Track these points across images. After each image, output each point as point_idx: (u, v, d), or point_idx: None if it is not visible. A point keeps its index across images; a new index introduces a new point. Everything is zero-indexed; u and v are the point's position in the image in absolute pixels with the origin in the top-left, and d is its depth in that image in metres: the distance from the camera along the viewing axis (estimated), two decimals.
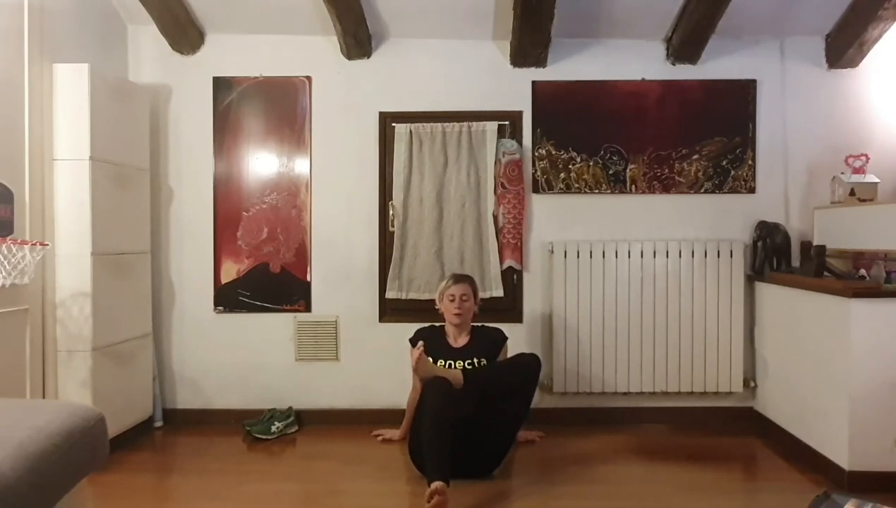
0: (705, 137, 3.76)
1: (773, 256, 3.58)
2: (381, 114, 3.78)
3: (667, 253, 3.69)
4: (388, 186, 3.78)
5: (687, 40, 3.62)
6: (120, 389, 3.31)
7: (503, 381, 2.97)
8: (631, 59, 3.76)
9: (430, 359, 3.04)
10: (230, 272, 3.80)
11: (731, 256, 3.67)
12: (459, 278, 3.26)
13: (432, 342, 3.20)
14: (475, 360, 3.10)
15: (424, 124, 3.73)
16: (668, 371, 3.67)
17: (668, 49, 3.76)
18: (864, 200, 3.41)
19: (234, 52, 3.79)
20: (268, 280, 3.79)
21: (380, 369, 3.70)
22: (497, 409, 2.93)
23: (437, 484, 2.49)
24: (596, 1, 3.49)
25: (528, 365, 3.00)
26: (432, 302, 3.38)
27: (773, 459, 3.22)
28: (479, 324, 3.30)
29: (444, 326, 3.27)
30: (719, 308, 3.67)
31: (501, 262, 3.73)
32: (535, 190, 3.78)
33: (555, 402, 3.75)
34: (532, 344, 3.75)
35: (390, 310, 3.80)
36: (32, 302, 2.97)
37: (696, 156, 3.76)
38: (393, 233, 3.77)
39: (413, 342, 3.17)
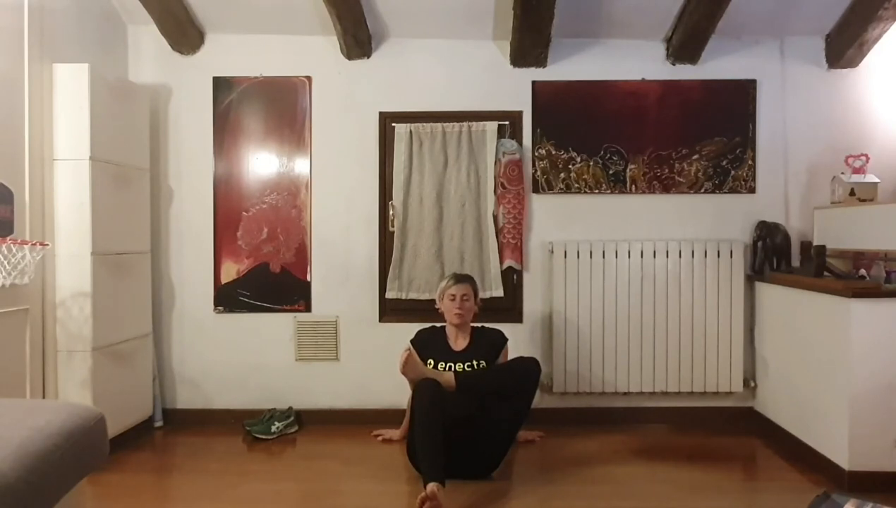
0: (705, 137, 3.76)
1: (773, 256, 3.58)
2: (381, 114, 3.78)
3: (667, 253, 3.69)
4: (388, 186, 3.77)
5: (687, 40, 3.62)
6: (120, 389, 3.30)
7: (500, 386, 2.97)
8: (631, 59, 3.76)
9: (422, 361, 3.04)
10: (230, 272, 3.80)
11: (731, 256, 3.67)
12: (460, 278, 3.25)
13: (432, 344, 3.20)
14: (475, 363, 3.10)
15: (424, 124, 3.73)
16: (668, 371, 3.67)
17: (667, 49, 3.76)
18: (864, 200, 3.41)
19: (234, 52, 3.79)
20: (268, 280, 3.79)
21: (380, 369, 3.69)
22: (496, 411, 2.92)
23: (430, 489, 2.49)
24: (596, 1, 3.49)
25: (527, 369, 2.99)
26: (432, 302, 3.38)
27: (773, 459, 3.22)
28: (480, 325, 3.30)
29: (444, 327, 3.26)
30: (719, 308, 3.66)
31: (501, 262, 3.72)
32: (535, 190, 3.78)
33: (555, 402, 3.75)
34: (532, 344, 3.75)
35: (390, 310, 3.80)
36: (32, 302, 2.97)
37: (696, 156, 3.76)
38: (393, 233, 3.76)
39: (413, 343, 3.17)
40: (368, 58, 3.79)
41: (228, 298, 3.80)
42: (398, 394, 3.51)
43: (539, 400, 3.66)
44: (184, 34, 3.69)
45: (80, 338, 3.08)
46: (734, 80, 3.76)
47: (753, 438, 3.52)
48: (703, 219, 3.78)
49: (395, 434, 3.44)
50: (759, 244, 3.65)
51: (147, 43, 3.77)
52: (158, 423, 3.73)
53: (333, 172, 3.80)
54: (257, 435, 3.49)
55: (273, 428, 3.53)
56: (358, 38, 3.64)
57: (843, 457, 2.81)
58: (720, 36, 3.60)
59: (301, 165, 3.79)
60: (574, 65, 3.77)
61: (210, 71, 3.79)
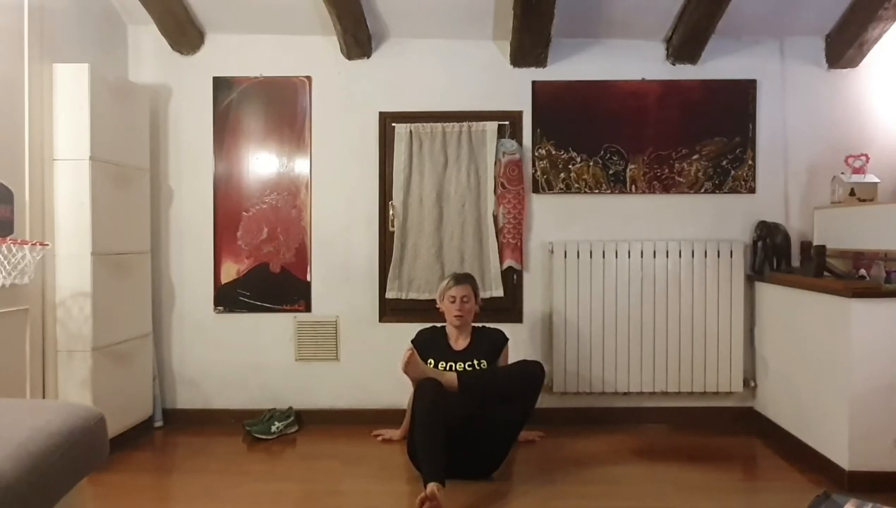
0: (705, 137, 3.76)
1: (773, 256, 3.58)
2: (381, 114, 3.78)
3: (667, 253, 3.69)
4: (388, 186, 3.77)
5: (687, 40, 3.62)
6: (120, 389, 3.30)
7: (502, 387, 2.97)
8: (631, 59, 3.76)
9: (423, 361, 3.04)
10: (230, 272, 3.80)
11: (731, 256, 3.67)
12: (460, 278, 3.25)
13: (433, 344, 3.20)
14: (475, 363, 3.10)
15: (424, 124, 3.73)
16: (668, 371, 3.67)
17: (668, 49, 3.76)
18: (864, 200, 3.41)
19: (234, 52, 3.79)
20: (268, 280, 3.79)
21: (380, 369, 3.69)
22: (497, 413, 2.92)
23: (429, 489, 2.49)
24: (596, 1, 3.49)
25: (531, 373, 2.97)
26: (432, 302, 3.38)
27: (773, 459, 3.22)
28: (480, 325, 3.30)
29: (445, 327, 3.26)
30: (719, 308, 3.66)
31: (501, 262, 3.72)
32: (535, 190, 3.78)
33: (555, 402, 3.75)
34: (532, 343, 3.75)
35: (390, 310, 3.79)
36: (32, 302, 2.97)
37: (696, 156, 3.76)
38: (393, 233, 3.76)
39: (414, 343, 3.17)
40: (368, 58, 3.79)
41: (228, 298, 3.80)
42: (398, 394, 3.52)
43: (539, 400, 3.64)
44: (184, 34, 3.69)
45: (80, 338, 3.08)
46: (734, 79, 3.76)
47: (753, 438, 3.52)
48: (703, 219, 3.78)
49: (395, 434, 3.44)
50: (759, 244, 3.65)
51: (147, 43, 3.77)
52: (158, 423, 3.73)
53: (333, 172, 3.80)
54: (257, 435, 3.49)
55: (273, 428, 3.53)
56: (358, 38, 3.64)
57: (843, 457, 2.81)
58: (720, 36, 3.60)
59: (301, 165, 3.79)
60: (574, 65, 3.77)
61: (210, 71, 3.79)
